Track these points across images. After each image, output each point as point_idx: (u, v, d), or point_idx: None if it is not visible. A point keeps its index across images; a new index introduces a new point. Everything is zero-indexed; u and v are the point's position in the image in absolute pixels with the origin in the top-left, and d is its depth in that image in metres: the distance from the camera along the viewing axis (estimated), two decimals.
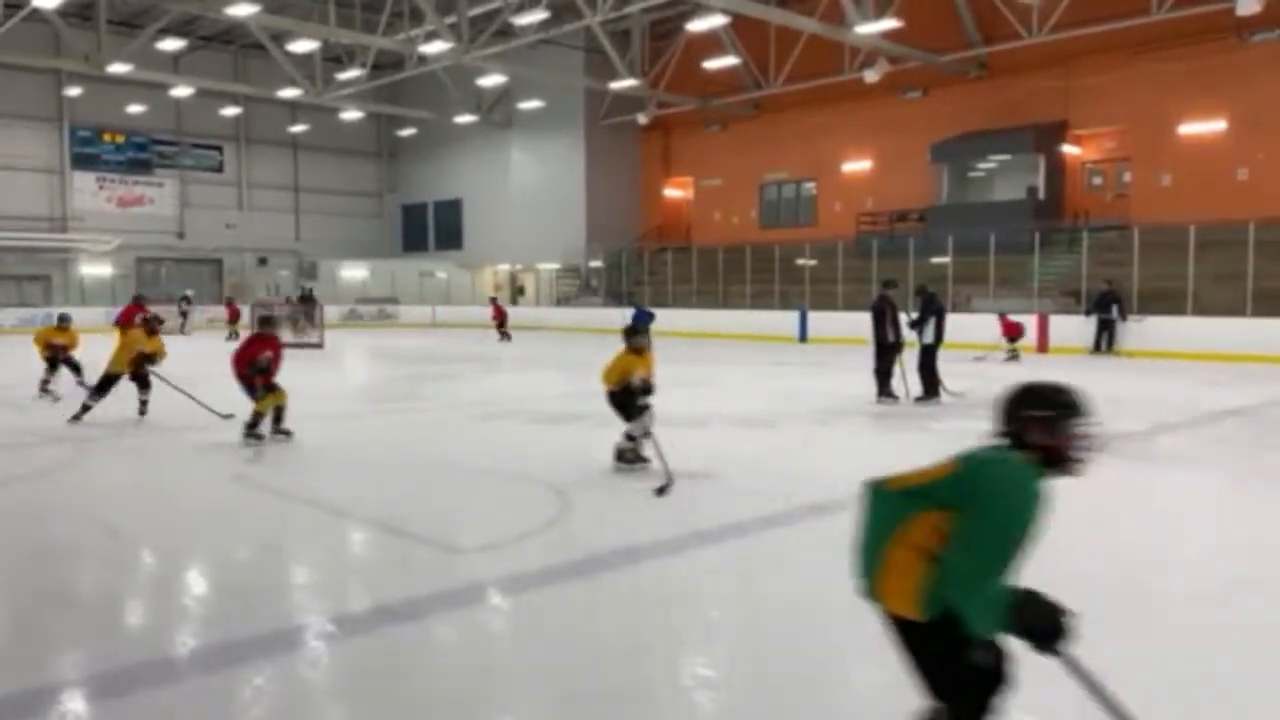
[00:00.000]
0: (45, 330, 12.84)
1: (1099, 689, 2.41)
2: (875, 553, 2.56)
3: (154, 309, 15.16)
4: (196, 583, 5.08)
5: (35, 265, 33.45)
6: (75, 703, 3.54)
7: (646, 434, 7.27)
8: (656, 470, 6.91)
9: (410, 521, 6.06)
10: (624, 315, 29.23)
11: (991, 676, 2.50)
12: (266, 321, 9.42)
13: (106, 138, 34.87)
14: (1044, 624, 2.32)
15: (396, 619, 4.34)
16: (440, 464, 8.15)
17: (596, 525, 6.01)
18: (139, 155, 35.73)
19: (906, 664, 2.54)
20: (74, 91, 32.55)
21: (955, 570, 2.38)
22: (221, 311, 30.45)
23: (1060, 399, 2.54)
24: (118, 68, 26.22)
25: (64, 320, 12.81)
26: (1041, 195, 24.45)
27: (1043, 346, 20.06)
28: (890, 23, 21.15)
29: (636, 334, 7.46)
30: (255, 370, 8.69)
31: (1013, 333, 17.97)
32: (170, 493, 7.11)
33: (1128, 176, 24.07)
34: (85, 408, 10.17)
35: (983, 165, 26.81)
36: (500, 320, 25.52)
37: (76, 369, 12.48)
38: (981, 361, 17.07)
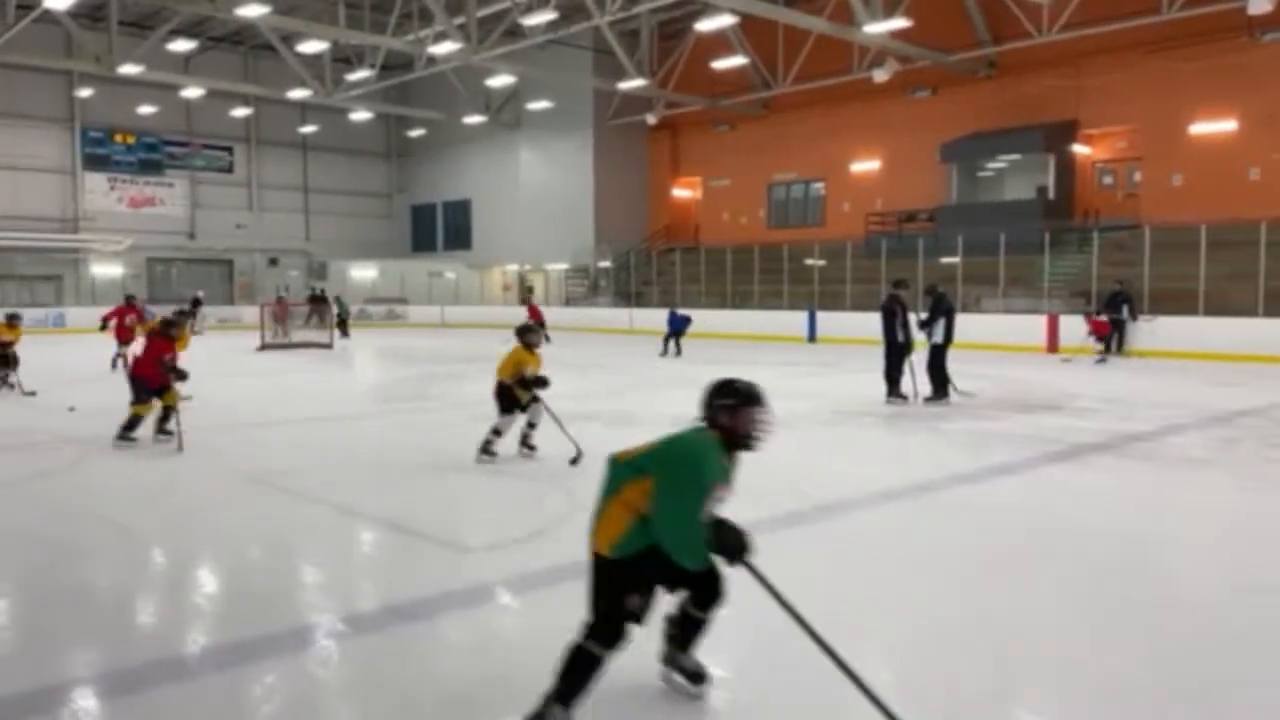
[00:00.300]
0: None
1: (777, 593, 3.04)
2: (600, 507, 3.21)
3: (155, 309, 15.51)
4: (208, 581, 5.10)
5: (47, 265, 33.64)
6: (87, 700, 3.56)
7: (534, 425, 8.22)
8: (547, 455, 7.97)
9: (418, 521, 6.08)
10: (631, 316, 29.28)
11: (632, 618, 3.14)
12: (169, 324, 9.50)
13: (118, 138, 35.04)
14: (733, 543, 3.03)
15: (406, 618, 4.35)
16: (448, 463, 8.16)
17: None
18: (150, 156, 35.90)
19: (588, 590, 3.18)
20: (85, 93, 32.71)
21: (659, 519, 3.04)
22: (233, 312, 30.64)
23: (743, 391, 3.22)
24: (129, 69, 26.34)
25: (13, 318, 13.39)
26: (1052, 195, 24.37)
27: (1052, 347, 20.00)
28: (899, 22, 21.09)
29: (529, 332, 8.31)
30: (167, 369, 8.79)
31: (1102, 331, 17.84)
32: (180, 492, 7.15)
33: (1138, 176, 23.98)
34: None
35: (992, 165, 26.74)
36: (538, 322, 25.14)
37: (13, 364, 13.09)
38: (1069, 364, 16.96)
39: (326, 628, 4.25)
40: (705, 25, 23.67)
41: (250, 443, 8.86)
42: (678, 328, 20.23)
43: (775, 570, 5.03)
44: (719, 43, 26.71)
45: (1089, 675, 3.77)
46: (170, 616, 4.53)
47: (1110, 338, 18.79)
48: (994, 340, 19.51)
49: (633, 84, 27.11)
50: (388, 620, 4.36)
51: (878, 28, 21.29)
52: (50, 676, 3.73)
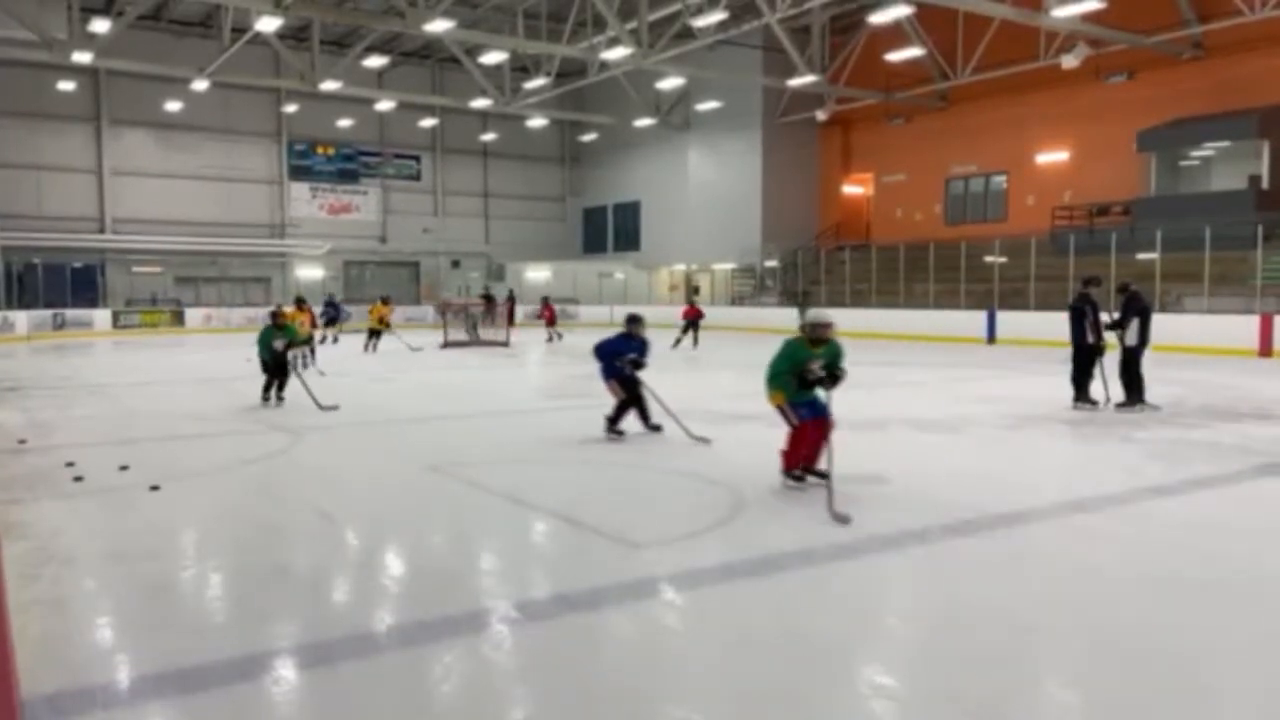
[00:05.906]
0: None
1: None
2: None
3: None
4: (393, 564, 5.44)
5: (258, 268, 36.74)
6: (286, 670, 3.88)
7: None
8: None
9: (587, 514, 6.24)
10: (799, 315, 28.80)
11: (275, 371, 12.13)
12: (300, 301, 17.00)
13: (319, 150, 37.81)
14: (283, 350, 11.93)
15: (575, 608, 4.49)
16: (615, 460, 8.34)
17: (772, 526, 5.98)
18: (347, 166, 38.54)
19: None
20: (291, 108, 35.51)
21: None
22: (418, 312, 32.28)
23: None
24: (329, 85, 28.40)
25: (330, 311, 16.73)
26: (1265, 184, 22.30)
27: (1265, 350, 18.29)
28: (1092, 4, 19.81)
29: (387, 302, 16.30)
30: (327, 317, 16.27)
31: None
32: (371, 479, 7.65)
33: None
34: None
35: (1197, 153, 24.75)
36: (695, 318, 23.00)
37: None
38: None
39: (501, 613, 4.44)
40: (880, 17, 22.98)
41: (432, 434, 9.36)
42: None
43: (942, 580, 4.87)
44: (894, 35, 25.98)
45: None
46: (359, 595, 4.86)
47: None
48: (1197, 343, 18.08)
49: (804, 81, 26.77)
50: (558, 609, 4.51)
51: (1068, 11, 20.14)
52: (253, 646, 4.07)
